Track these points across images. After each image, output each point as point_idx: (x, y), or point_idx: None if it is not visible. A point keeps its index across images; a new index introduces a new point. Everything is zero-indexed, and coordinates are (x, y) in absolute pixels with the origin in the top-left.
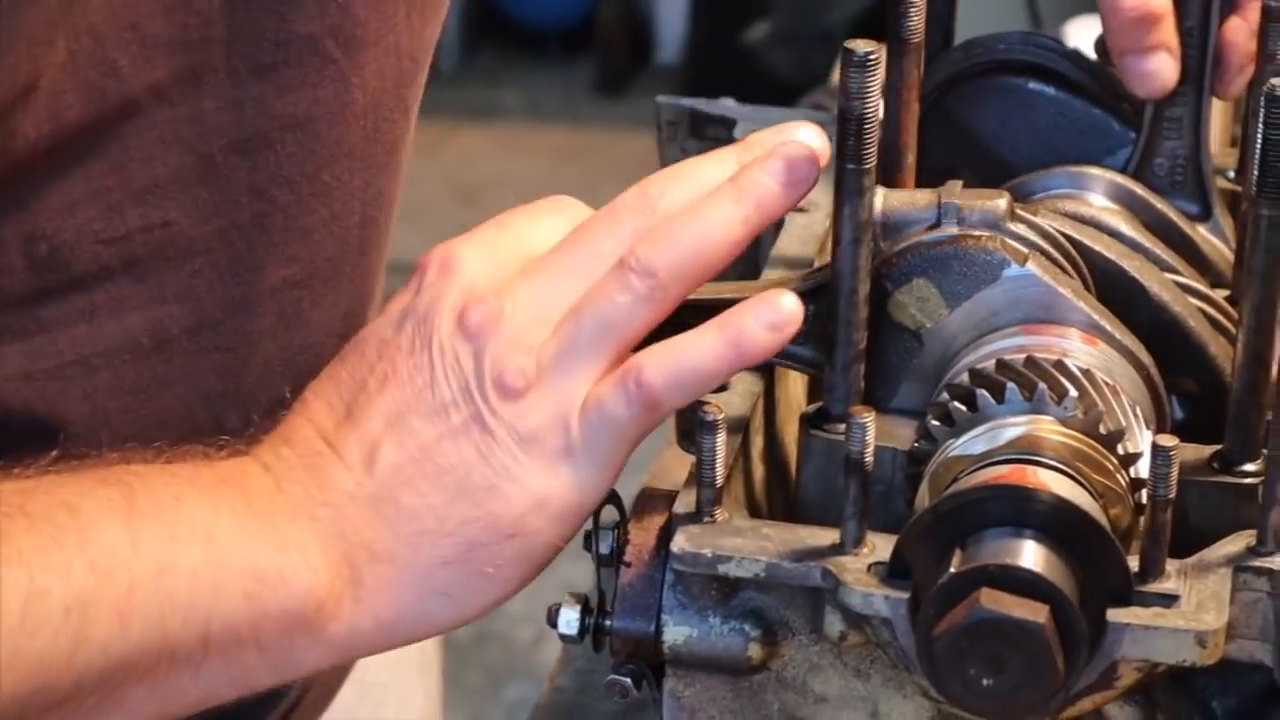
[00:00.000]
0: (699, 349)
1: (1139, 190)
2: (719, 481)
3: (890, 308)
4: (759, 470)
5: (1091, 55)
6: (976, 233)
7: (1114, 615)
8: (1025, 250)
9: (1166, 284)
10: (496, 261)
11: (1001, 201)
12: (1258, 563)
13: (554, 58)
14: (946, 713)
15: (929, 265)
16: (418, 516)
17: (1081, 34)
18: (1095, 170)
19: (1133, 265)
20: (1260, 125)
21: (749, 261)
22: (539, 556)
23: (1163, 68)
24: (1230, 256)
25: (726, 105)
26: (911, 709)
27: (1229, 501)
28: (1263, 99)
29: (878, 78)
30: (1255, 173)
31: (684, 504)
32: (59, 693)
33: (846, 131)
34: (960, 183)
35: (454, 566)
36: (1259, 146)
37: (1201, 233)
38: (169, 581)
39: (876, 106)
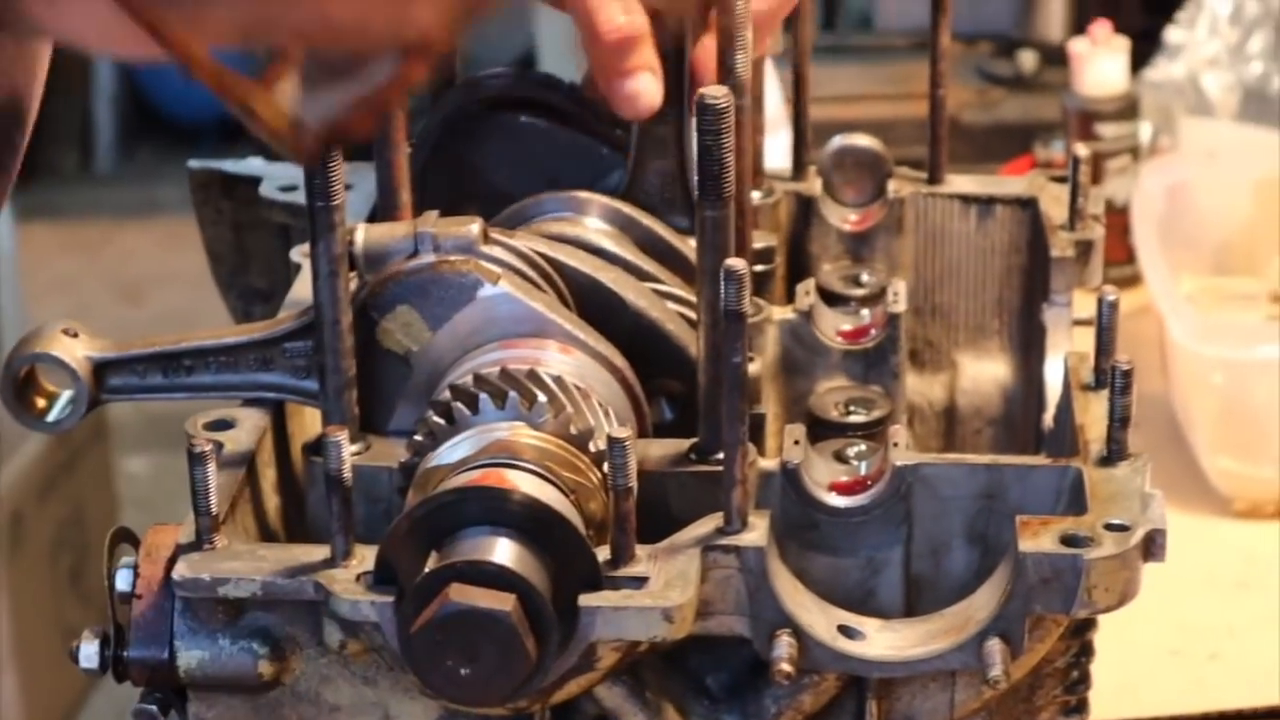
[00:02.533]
0: None
1: (626, 210)
2: (214, 509)
3: (379, 335)
4: (272, 501)
5: None
6: (451, 258)
7: (586, 600)
8: (498, 270)
9: (644, 292)
10: None
11: (474, 226)
12: (725, 541)
13: (211, 150)
14: (453, 710)
15: (409, 292)
16: None
17: None
18: (585, 194)
19: (609, 278)
20: (696, 132)
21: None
22: None
23: (646, 89)
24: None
25: (254, 164)
26: (420, 709)
27: (706, 489)
28: (696, 108)
29: None
30: (695, 178)
31: (185, 534)
32: None
33: (313, 171)
34: (437, 212)
35: None
36: (696, 152)
37: (692, 244)
38: None
39: (339, 151)
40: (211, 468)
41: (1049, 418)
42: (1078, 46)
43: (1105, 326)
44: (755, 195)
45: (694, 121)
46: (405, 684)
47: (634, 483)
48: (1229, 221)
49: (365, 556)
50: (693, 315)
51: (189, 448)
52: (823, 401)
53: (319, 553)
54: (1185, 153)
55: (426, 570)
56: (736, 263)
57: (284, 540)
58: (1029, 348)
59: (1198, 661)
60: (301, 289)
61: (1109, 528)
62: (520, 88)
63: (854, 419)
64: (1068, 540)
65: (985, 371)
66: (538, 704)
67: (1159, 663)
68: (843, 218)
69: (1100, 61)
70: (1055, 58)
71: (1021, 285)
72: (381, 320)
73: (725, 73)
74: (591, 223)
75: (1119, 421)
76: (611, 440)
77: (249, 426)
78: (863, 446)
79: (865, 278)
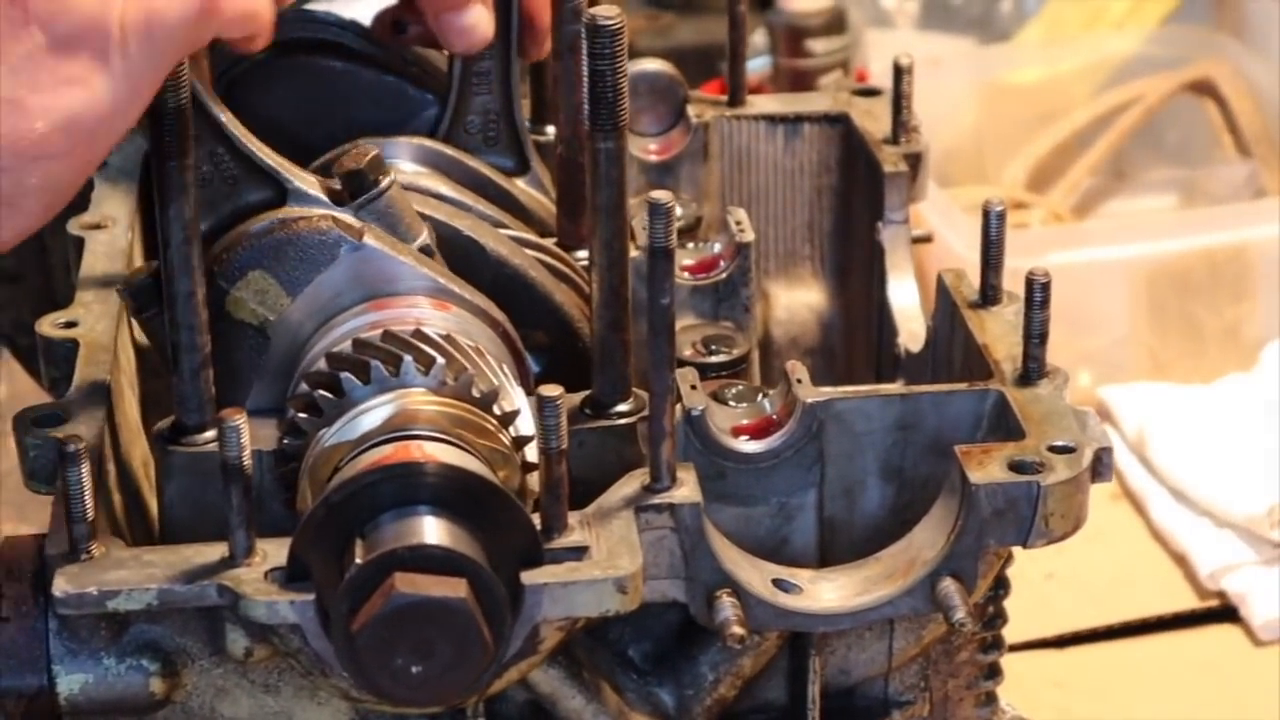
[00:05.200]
0: None
1: (447, 151)
2: (90, 515)
3: (229, 306)
4: (117, 499)
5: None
6: (308, 213)
7: (529, 577)
8: (359, 224)
9: (502, 239)
10: None
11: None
12: (656, 500)
13: None
14: (365, 712)
15: (263, 256)
16: None
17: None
18: (400, 139)
19: (465, 225)
20: (586, 57)
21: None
22: (65, 183)
23: (480, 21)
24: (551, 206)
25: None
26: (328, 714)
27: (609, 444)
28: (585, 30)
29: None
30: (586, 107)
31: (56, 545)
32: None
33: (163, 129)
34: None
35: None
36: (586, 79)
37: (521, 186)
38: None
39: (188, 96)
40: (85, 468)
41: (906, 341)
42: None
43: (993, 240)
44: (550, 131)
45: (582, 48)
46: (313, 689)
47: (566, 444)
48: (951, 131)
49: (268, 552)
50: (548, 260)
51: (61, 448)
52: (676, 342)
53: (214, 552)
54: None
55: (358, 561)
56: (662, 195)
57: (133, 544)
58: (845, 271)
59: (1034, 582)
60: (94, 263)
61: (1055, 450)
62: (305, 29)
63: (716, 358)
64: (1017, 467)
65: (799, 299)
66: (473, 697)
67: None
68: (643, 148)
69: None
70: None
71: (833, 207)
72: (232, 289)
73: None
74: (406, 165)
75: (1037, 338)
76: (542, 399)
77: (86, 418)
78: (740, 387)
79: (678, 210)
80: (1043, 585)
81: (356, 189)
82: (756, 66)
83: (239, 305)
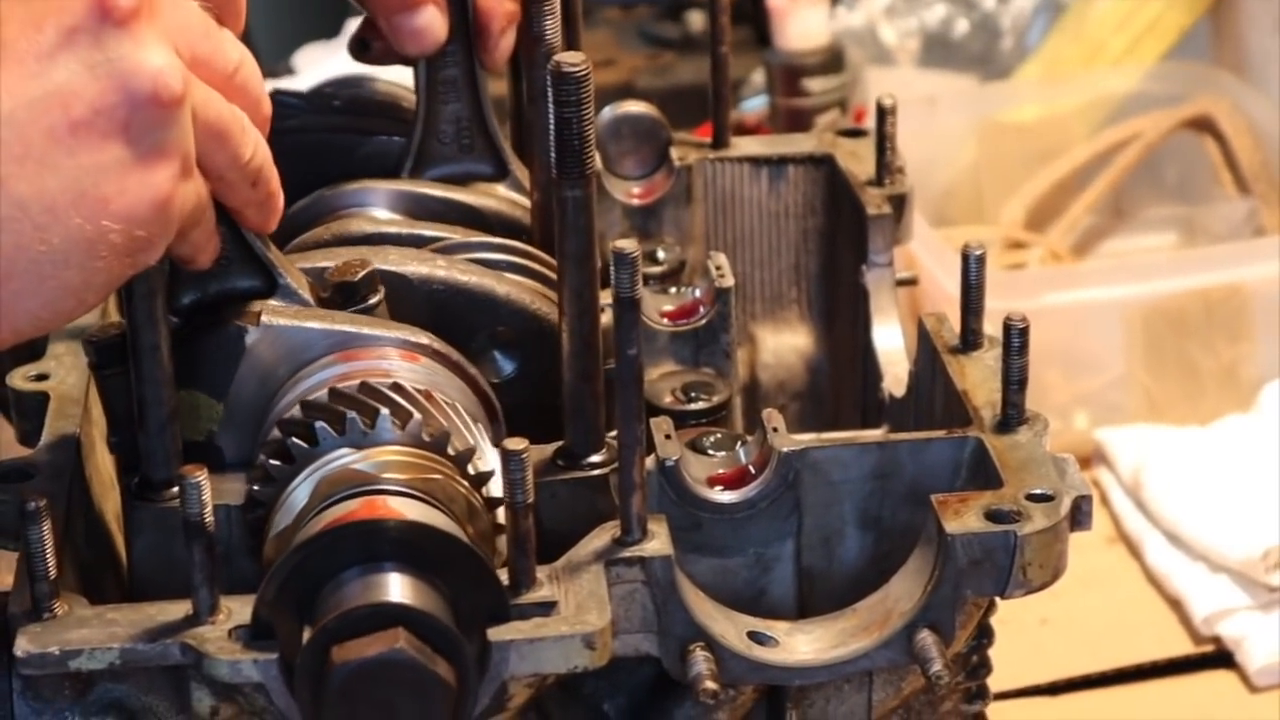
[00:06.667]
0: None
1: (409, 188)
2: (52, 573)
3: None
4: (85, 554)
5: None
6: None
7: (495, 634)
8: (254, 308)
9: (426, 257)
10: None
11: None
12: (627, 553)
13: None
14: None
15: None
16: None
17: (310, 61)
18: (364, 184)
19: (391, 261)
20: (551, 104)
21: None
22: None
23: (432, 22)
24: None
25: None
26: None
27: (582, 496)
28: (550, 78)
29: None
30: (553, 155)
31: (19, 603)
32: None
33: None
34: None
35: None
36: (552, 126)
37: (501, 191)
38: None
39: None
40: (47, 527)
41: (890, 386)
42: (776, 0)
43: (973, 284)
44: None
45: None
46: None
47: (532, 497)
48: (949, 170)
49: (232, 610)
50: (497, 257)
51: (22, 507)
52: (656, 389)
53: (178, 610)
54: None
55: (321, 620)
56: (627, 244)
57: (104, 602)
58: (831, 314)
59: (1029, 627)
60: None
61: (1033, 499)
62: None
63: (696, 405)
64: (994, 516)
65: (786, 343)
66: None
67: None
68: (626, 191)
69: (801, 14)
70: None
71: (819, 249)
72: None
73: (534, 41)
74: (380, 213)
75: (1016, 384)
76: (507, 453)
77: (53, 473)
78: (719, 435)
79: (661, 254)
80: (1037, 631)
81: (346, 299)
82: (754, 106)
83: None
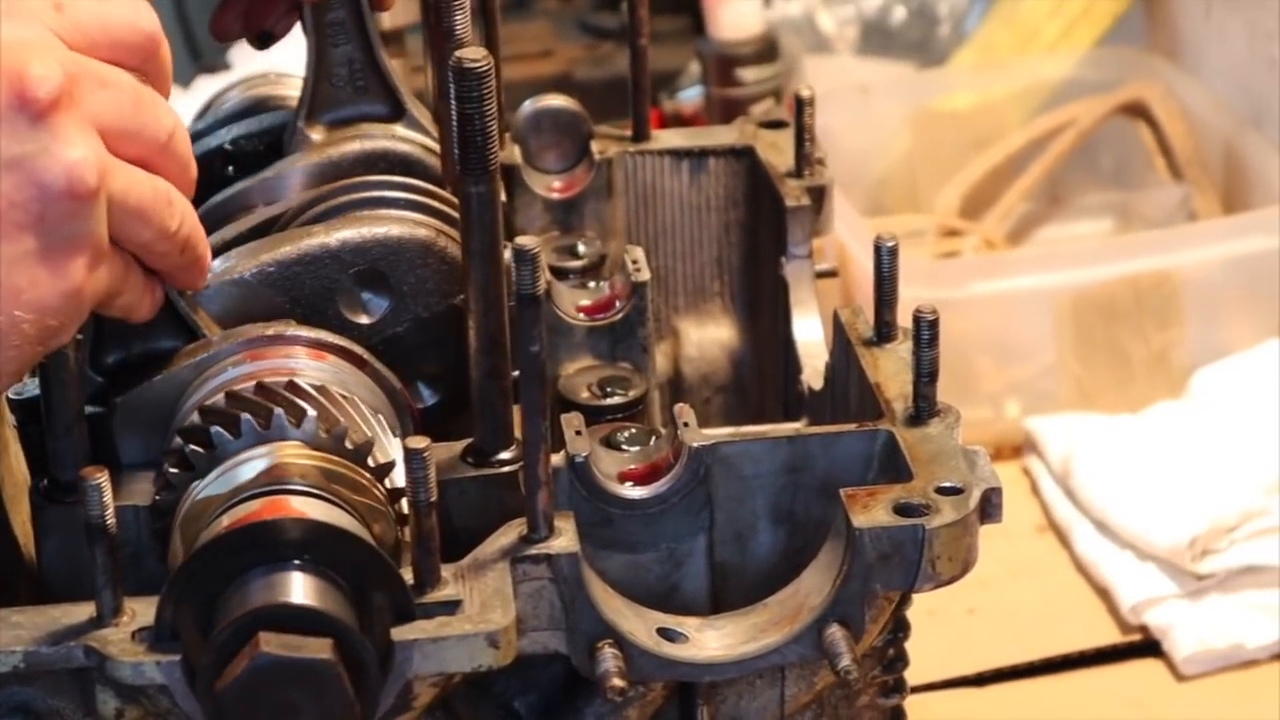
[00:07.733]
0: None
1: (314, 159)
2: None
3: None
4: None
5: None
6: None
7: (399, 633)
8: None
9: (299, 234)
10: None
11: None
12: (534, 550)
13: None
14: None
15: None
16: None
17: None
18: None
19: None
20: (453, 101)
21: None
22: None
23: None
24: (433, 144)
25: None
26: None
27: (491, 494)
28: (451, 74)
29: None
30: (456, 151)
31: None
32: None
33: None
34: None
35: None
36: (455, 122)
37: (400, 131)
38: None
39: None
40: None
41: (809, 378)
42: None
43: (885, 275)
44: None
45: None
46: None
47: (435, 496)
48: (884, 159)
49: (137, 611)
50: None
51: None
52: (572, 384)
53: (82, 612)
54: (832, 93)
55: (222, 621)
56: (529, 241)
57: (19, 605)
58: (754, 307)
59: (956, 618)
60: None
61: (942, 491)
62: None
63: (612, 400)
64: (902, 510)
65: (709, 336)
66: None
67: (918, 624)
68: (547, 185)
69: (734, 4)
70: (662, 4)
71: (741, 241)
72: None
73: (446, 36)
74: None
75: (926, 376)
76: (409, 451)
77: None
78: (634, 430)
79: (581, 248)
80: (964, 621)
81: None
82: (690, 96)
83: None
